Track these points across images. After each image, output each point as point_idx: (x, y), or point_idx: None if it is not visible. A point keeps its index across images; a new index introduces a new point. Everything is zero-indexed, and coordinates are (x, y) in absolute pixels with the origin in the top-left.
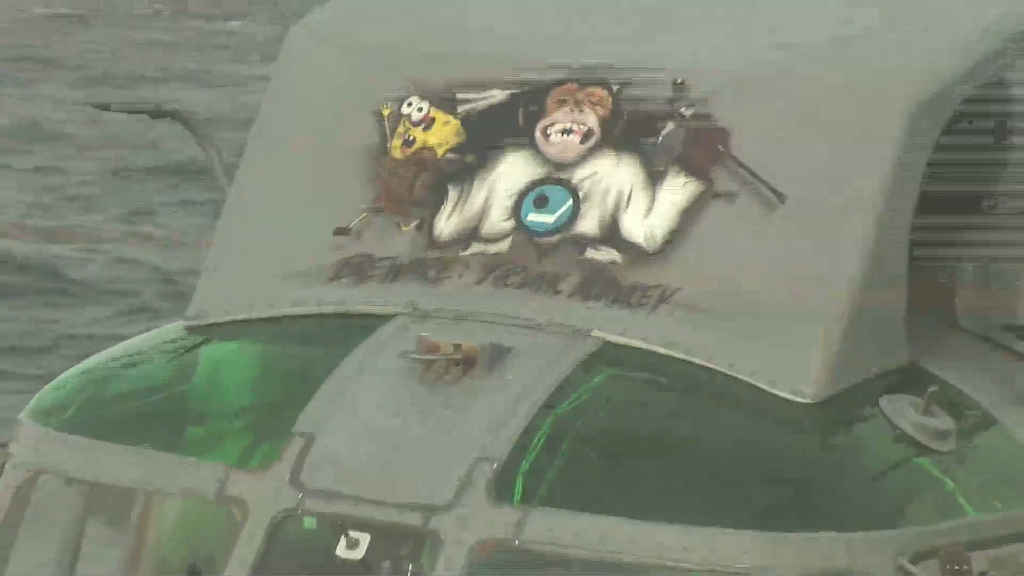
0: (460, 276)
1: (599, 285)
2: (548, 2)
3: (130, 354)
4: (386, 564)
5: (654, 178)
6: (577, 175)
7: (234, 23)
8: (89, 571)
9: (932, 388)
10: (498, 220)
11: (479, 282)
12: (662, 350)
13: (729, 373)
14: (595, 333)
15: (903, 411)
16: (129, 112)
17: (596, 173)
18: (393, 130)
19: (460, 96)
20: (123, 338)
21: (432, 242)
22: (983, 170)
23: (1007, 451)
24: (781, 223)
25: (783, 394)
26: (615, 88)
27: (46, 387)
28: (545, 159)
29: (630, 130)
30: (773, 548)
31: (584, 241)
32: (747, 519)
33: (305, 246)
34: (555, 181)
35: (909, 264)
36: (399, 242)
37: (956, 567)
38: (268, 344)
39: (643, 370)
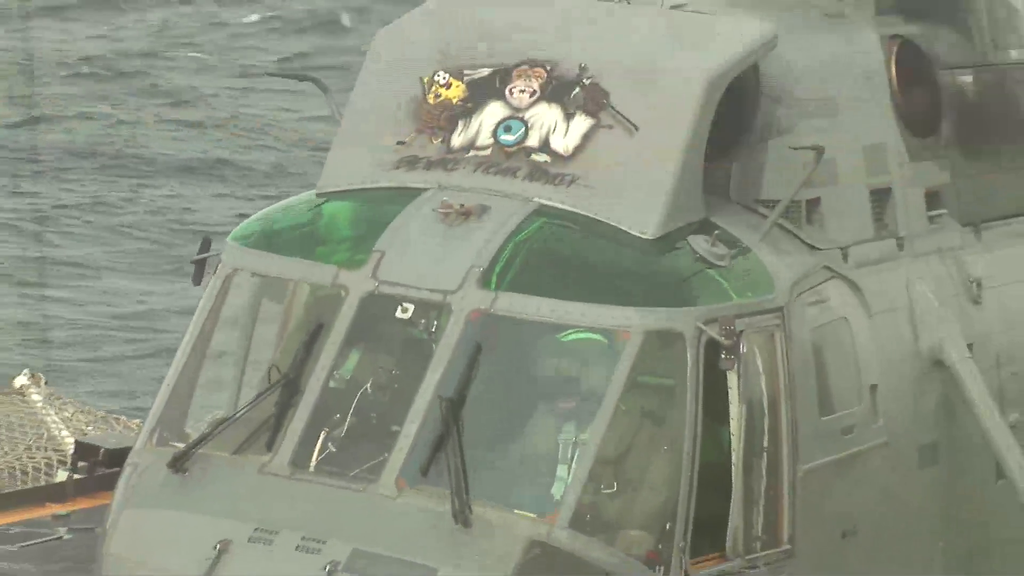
0: (464, 168)
1: (538, 174)
2: (512, 20)
3: (287, 206)
4: (422, 321)
5: (568, 117)
6: (527, 115)
7: None
8: (263, 325)
9: (716, 231)
10: (485, 138)
11: (474, 172)
12: (572, 209)
13: (606, 221)
14: (535, 199)
15: (700, 244)
16: (283, 77)
17: (537, 114)
18: (429, 89)
19: (465, 72)
20: None
21: (449, 150)
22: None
23: (755, 267)
24: (636, 141)
25: (636, 233)
26: (549, 68)
27: (241, 223)
28: (510, 106)
29: (556, 91)
30: (628, 315)
31: (530, 150)
32: (616, 300)
33: (380, 150)
34: (515, 117)
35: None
36: (431, 149)
37: (728, 327)
38: (360, 203)
39: (561, 219)
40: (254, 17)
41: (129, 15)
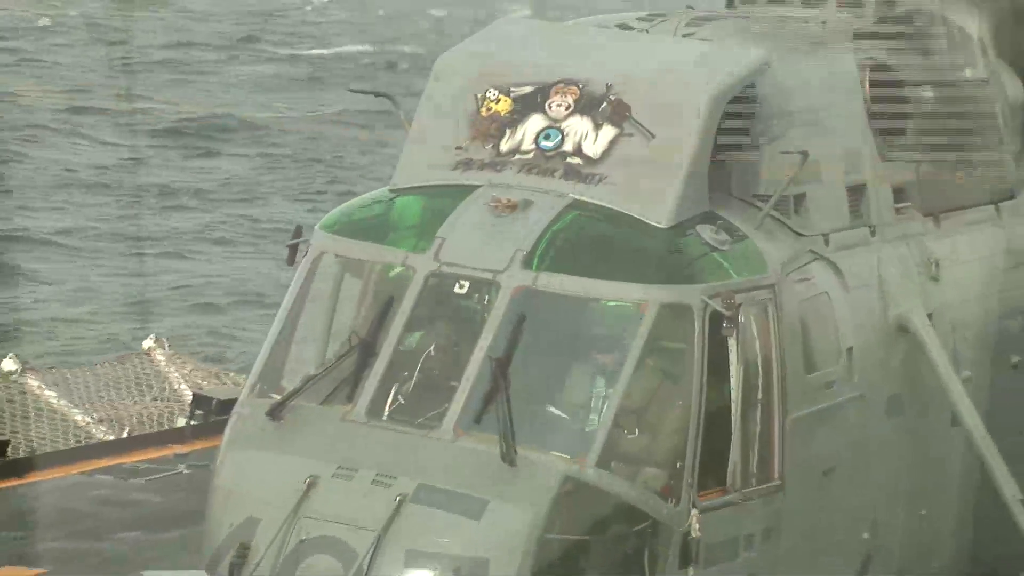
0: (510, 169)
1: (572, 174)
2: (551, 47)
3: (366, 201)
4: (475, 295)
5: (598, 127)
6: (563, 125)
7: None
8: (344, 298)
9: (719, 221)
10: (528, 144)
11: (518, 172)
12: (600, 203)
13: (628, 213)
14: (570, 195)
15: (706, 231)
16: (362, 93)
17: (572, 124)
18: (482, 103)
19: (512, 89)
20: None
21: (499, 154)
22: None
23: (751, 251)
24: (653, 146)
25: (652, 223)
26: (582, 87)
27: (328, 214)
28: (549, 117)
29: (587, 105)
30: (646, 291)
31: (566, 154)
32: (636, 278)
33: (442, 154)
34: (553, 127)
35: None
36: (484, 153)
37: (728, 301)
38: (425, 197)
39: (591, 211)
40: None
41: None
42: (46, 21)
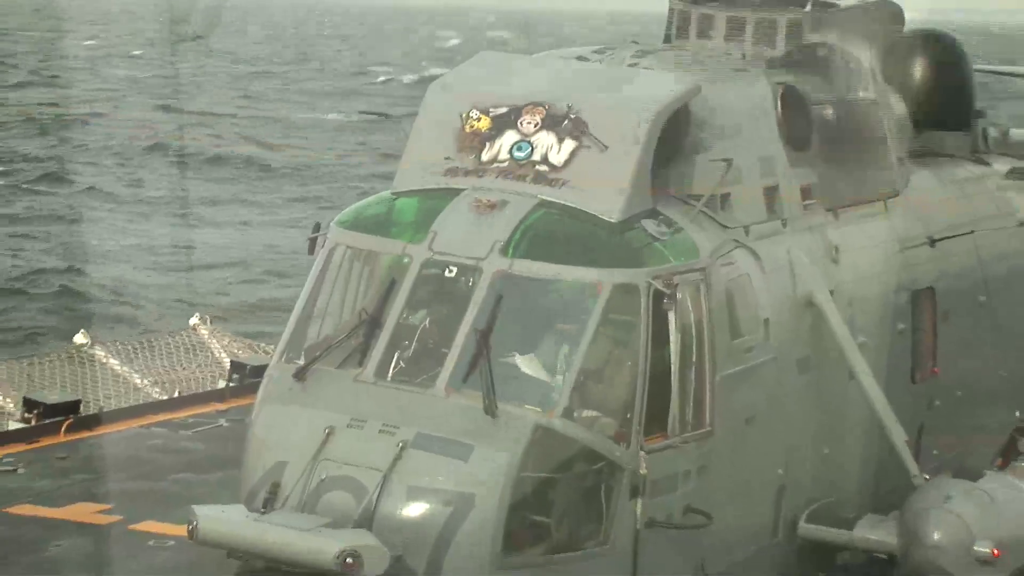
0: (490, 175)
1: (540, 179)
2: (522, 75)
3: (373, 202)
4: (462, 278)
5: (561, 140)
6: (533, 139)
7: None
8: (355, 281)
9: (660, 216)
10: (504, 154)
11: (496, 178)
12: (563, 202)
13: (586, 210)
14: (539, 196)
15: (650, 225)
16: (367, 114)
17: (540, 138)
18: (466, 121)
19: (491, 110)
20: None
21: (480, 162)
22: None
23: (686, 240)
24: (606, 155)
25: (605, 218)
26: (547, 107)
27: (341, 212)
28: (521, 133)
29: (552, 123)
30: (601, 274)
31: (536, 163)
32: (593, 264)
33: (433, 163)
34: (525, 141)
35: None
36: (468, 162)
37: (668, 282)
38: (420, 199)
39: (556, 209)
40: None
41: None
42: (137, 52)
